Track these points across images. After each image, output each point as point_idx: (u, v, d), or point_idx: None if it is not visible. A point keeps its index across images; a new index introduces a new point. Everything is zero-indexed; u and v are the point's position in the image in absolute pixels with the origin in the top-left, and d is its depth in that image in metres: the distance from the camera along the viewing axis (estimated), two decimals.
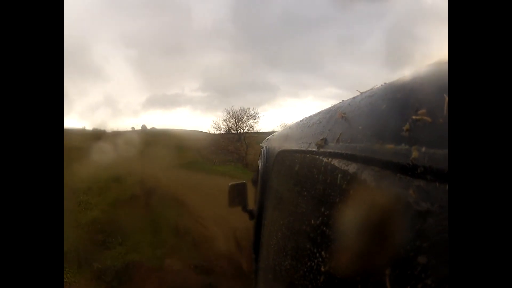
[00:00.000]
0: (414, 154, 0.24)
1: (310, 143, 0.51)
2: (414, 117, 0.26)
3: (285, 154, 0.71)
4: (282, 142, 0.80)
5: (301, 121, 0.76)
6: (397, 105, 0.32)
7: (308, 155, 0.51)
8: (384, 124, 0.32)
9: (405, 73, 0.35)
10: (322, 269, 0.39)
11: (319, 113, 0.61)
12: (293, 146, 0.65)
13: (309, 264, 0.43)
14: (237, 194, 1.68)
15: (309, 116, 0.69)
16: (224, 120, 17.31)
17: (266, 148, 1.04)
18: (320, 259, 0.40)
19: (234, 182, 1.73)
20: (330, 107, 0.57)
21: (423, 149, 0.24)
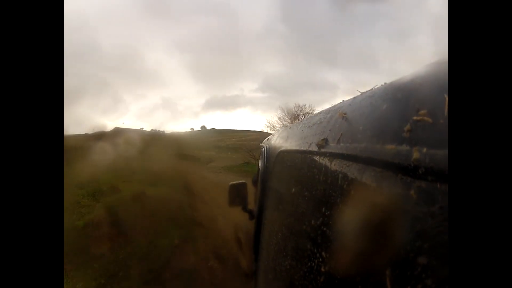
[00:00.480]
0: (415, 155, 0.24)
1: (310, 143, 0.51)
2: (415, 117, 0.26)
3: (285, 154, 0.71)
4: (283, 142, 0.80)
5: (301, 121, 0.76)
6: (398, 106, 0.32)
7: (308, 155, 0.51)
8: (385, 124, 0.32)
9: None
10: (323, 269, 0.39)
11: (320, 113, 0.61)
12: (294, 146, 0.65)
13: (309, 264, 0.43)
14: (237, 194, 1.68)
15: (310, 116, 0.69)
16: (279, 118, 15.81)
17: (266, 148, 1.04)
18: (320, 259, 0.40)
19: (234, 182, 1.73)
20: (330, 107, 0.57)
21: (424, 150, 0.24)
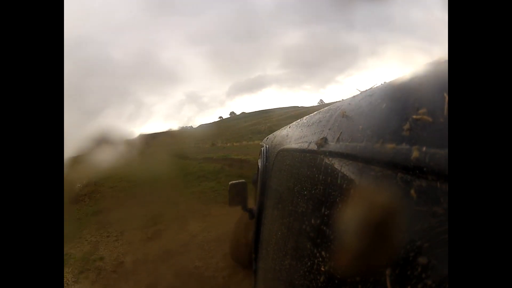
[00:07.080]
0: (415, 154, 0.24)
1: (310, 142, 0.51)
2: (414, 116, 0.26)
3: (285, 154, 0.71)
4: (282, 141, 0.80)
5: (301, 120, 0.76)
6: (397, 105, 0.32)
7: (308, 155, 0.51)
8: (385, 123, 0.31)
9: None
10: (322, 269, 0.39)
11: (319, 112, 0.61)
12: (293, 145, 0.65)
13: (309, 264, 0.43)
14: (236, 193, 1.68)
15: (309, 115, 0.69)
16: None
17: (266, 147, 1.04)
18: (320, 259, 0.40)
19: (234, 181, 1.73)
20: (330, 106, 0.57)
21: (424, 149, 0.24)
